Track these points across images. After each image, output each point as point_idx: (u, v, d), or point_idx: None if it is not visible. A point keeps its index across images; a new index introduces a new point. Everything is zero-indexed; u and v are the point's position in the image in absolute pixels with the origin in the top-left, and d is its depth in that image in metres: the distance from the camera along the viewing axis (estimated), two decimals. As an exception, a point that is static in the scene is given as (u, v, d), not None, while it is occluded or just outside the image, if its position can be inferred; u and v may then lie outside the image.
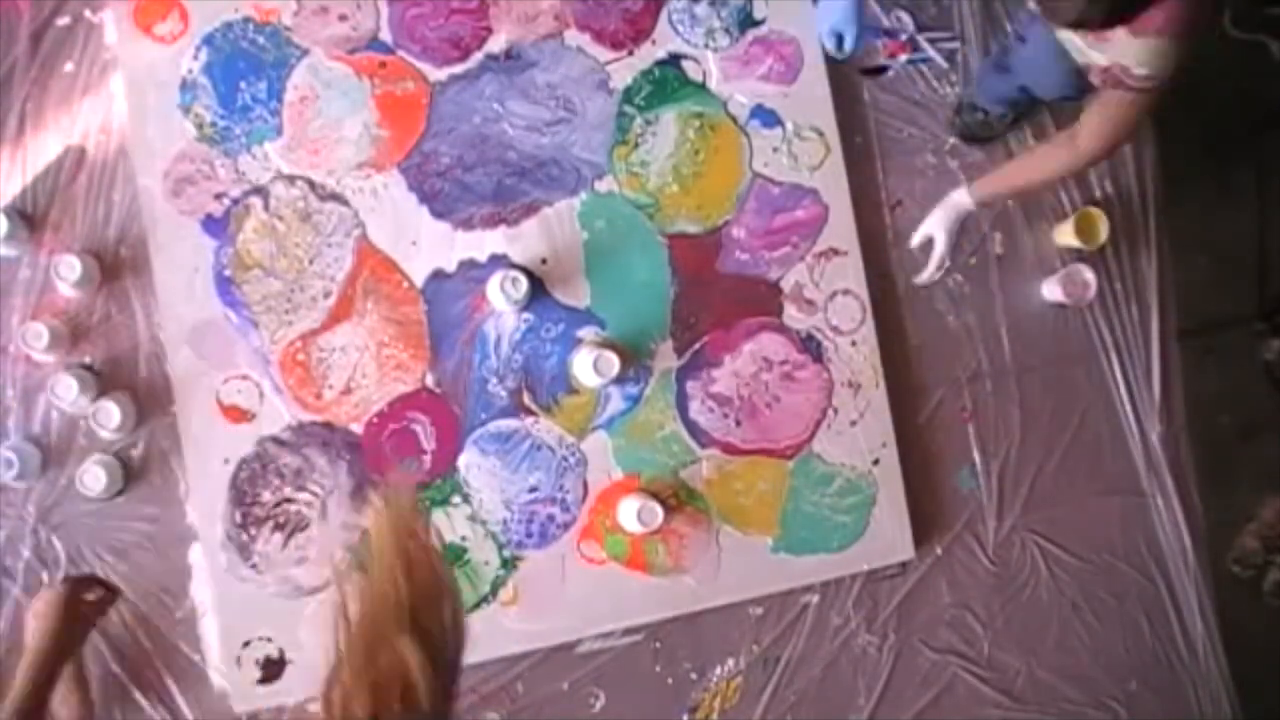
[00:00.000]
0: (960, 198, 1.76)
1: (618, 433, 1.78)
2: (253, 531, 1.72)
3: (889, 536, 1.82)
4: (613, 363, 1.68)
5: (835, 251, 1.83)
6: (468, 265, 1.78)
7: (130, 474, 1.74)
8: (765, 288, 1.82)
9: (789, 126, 1.84)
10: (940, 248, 1.79)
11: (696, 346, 1.80)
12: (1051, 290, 1.87)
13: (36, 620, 1.53)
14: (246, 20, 1.77)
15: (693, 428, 1.79)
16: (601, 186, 1.80)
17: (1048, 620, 1.90)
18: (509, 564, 1.75)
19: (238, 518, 1.71)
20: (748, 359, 1.81)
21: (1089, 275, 1.85)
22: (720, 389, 1.80)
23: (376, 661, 0.87)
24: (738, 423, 1.79)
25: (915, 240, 1.84)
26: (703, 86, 1.83)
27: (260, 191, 1.76)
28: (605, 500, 1.76)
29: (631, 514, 1.71)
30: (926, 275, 1.83)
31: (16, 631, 1.71)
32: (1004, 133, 1.89)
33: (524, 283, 1.70)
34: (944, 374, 1.88)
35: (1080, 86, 1.59)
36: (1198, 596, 1.93)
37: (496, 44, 1.81)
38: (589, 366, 1.68)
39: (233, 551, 1.71)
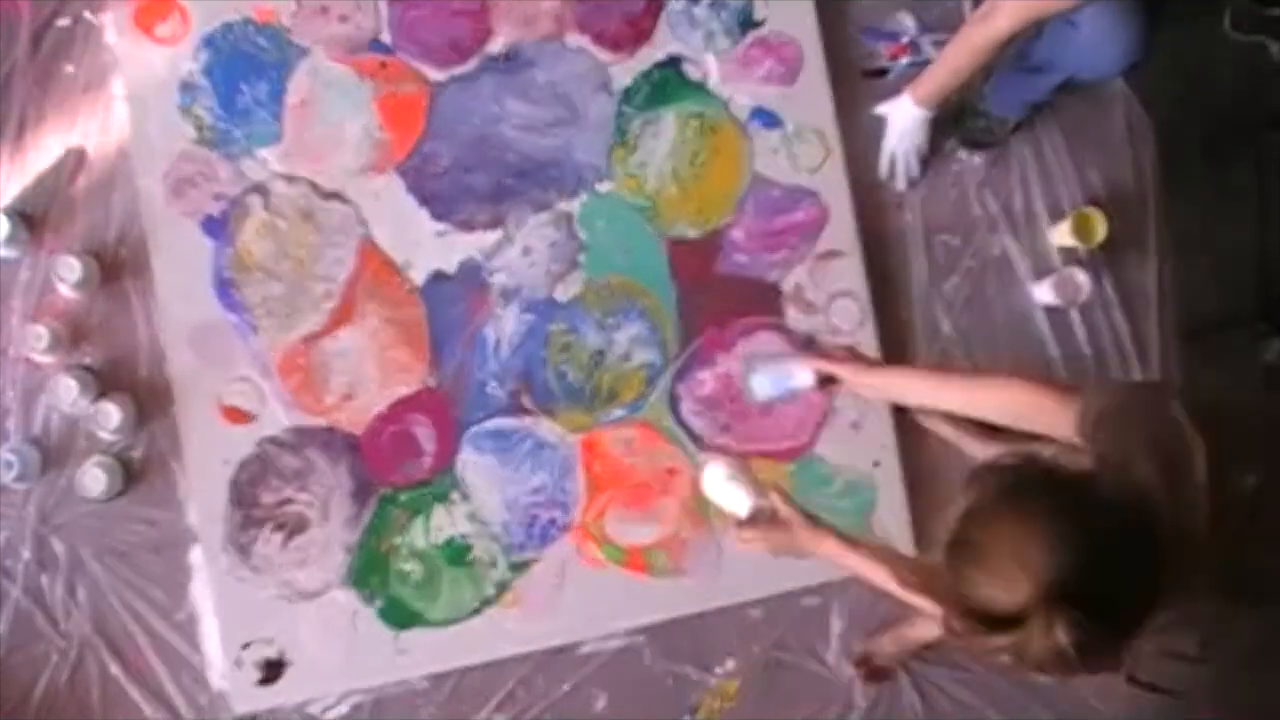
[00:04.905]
0: (906, 109, 1.76)
1: (618, 434, 1.78)
2: (253, 533, 1.72)
3: (890, 538, 1.81)
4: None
5: (835, 253, 1.83)
6: (468, 266, 1.78)
7: (130, 475, 1.74)
8: (765, 289, 1.82)
9: (789, 128, 1.83)
10: (901, 161, 1.82)
11: (691, 348, 1.80)
12: (1044, 293, 1.86)
13: None
14: (247, 21, 1.77)
15: (688, 429, 1.79)
16: (601, 188, 1.80)
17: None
18: (517, 567, 1.75)
19: (238, 519, 1.72)
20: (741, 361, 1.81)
21: (1081, 278, 1.84)
22: (708, 391, 1.79)
23: None
24: (725, 427, 1.79)
25: (883, 169, 1.85)
26: (702, 87, 1.83)
27: (260, 189, 1.76)
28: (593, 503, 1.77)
29: (719, 482, 1.42)
30: (901, 183, 1.86)
31: (17, 633, 1.72)
32: (1005, 139, 1.89)
33: None
34: (944, 375, 1.88)
35: (1147, 46, 1.57)
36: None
37: (496, 45, 1.80)
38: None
39: (233, 553, 1.71)
